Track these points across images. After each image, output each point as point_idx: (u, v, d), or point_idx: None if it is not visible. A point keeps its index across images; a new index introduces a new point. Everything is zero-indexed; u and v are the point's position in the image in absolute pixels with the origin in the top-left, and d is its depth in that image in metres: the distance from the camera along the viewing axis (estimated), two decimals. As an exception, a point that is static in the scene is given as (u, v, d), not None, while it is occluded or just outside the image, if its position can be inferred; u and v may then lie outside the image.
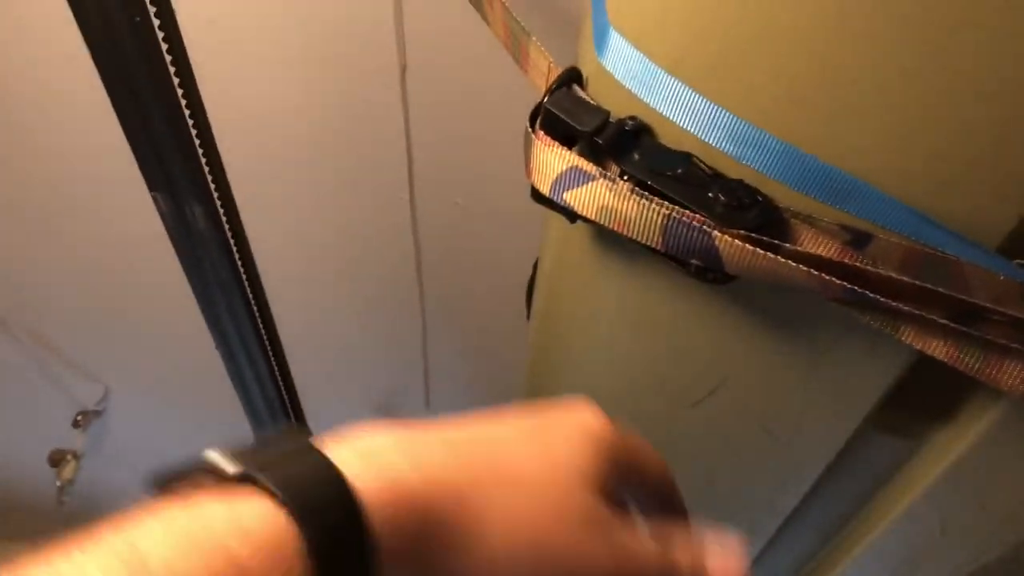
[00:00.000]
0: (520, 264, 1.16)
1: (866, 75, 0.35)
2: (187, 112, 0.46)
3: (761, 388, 0.51)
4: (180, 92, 0.47)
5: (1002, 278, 0.39)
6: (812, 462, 0.55)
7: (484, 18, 0.53)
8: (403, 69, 0.89)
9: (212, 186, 0.47)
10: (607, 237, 0.49)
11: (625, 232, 0.42)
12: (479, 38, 0.85)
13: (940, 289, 0.38)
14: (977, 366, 0.40)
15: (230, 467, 0.27)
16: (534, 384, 0.68)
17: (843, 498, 0.62)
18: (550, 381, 0.65)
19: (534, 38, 0.48)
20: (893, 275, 0.38)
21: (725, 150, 0.40)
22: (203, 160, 0.47)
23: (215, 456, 0.27)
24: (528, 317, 0.88)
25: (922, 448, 0.54)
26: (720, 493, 0.63)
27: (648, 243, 0.41)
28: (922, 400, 0.52)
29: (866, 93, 0.35)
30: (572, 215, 0.44)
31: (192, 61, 0.60)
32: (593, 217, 0.42)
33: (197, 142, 0.46)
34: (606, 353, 0.57)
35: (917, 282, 0.38)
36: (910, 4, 0.33)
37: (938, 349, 0.40)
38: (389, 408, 1.54)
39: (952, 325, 0.38)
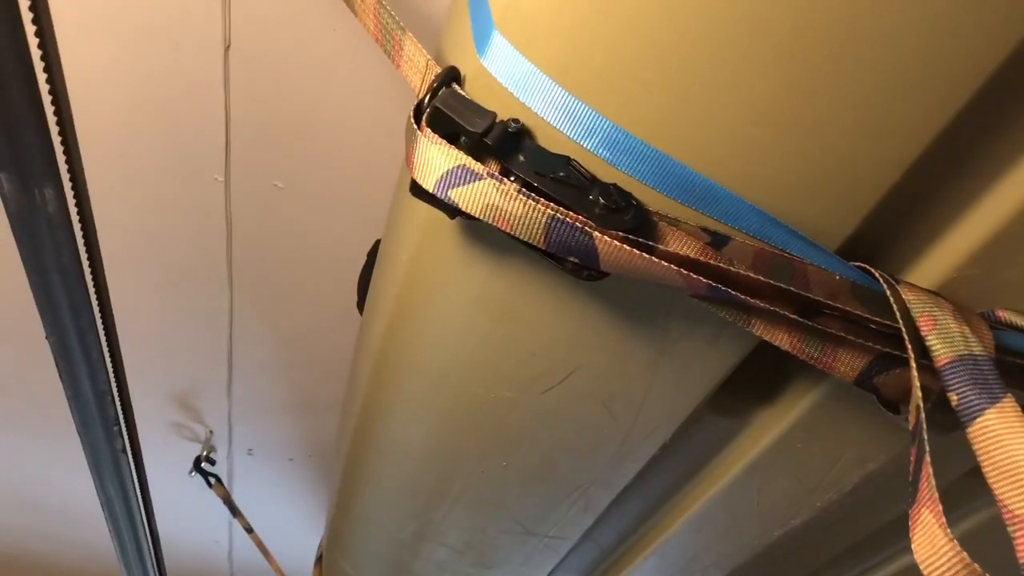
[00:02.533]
0: (341, 251, 1.15)
1: (730, 92, 0.39)
2: (48, 87, 0.42)
3: (610, 375, 0.54)
4: (42, 67, 0.42)
5: (838, 277, 0.44)
6: (648, 442, 0.60)
7: (352, 9, 0.53)
8: (227, 48, 0.86)
9: (66, 167, 0.44)
10: (476, 231, 0.50)
11: (509, 230, 0.43)
12: (306, 22, 0.84)
13: (789, 287, 0.42)
14: (816, 355, 0.45)
15: None
16: (378, 371, 0.68)
17: (670, 474, 0.68)
18: (396, 367, 0.66)
19: (410, 33, 0.48)
20: (750, 274, 0.42)
21: (601, 155, 0.43)
22: (59, 138, 0.43)
23: None
24: (359, 306, 0.87)
25: (745, 427, 0.60)
26: (560, 472, 0.67)
27: (531, 241, 0.43)
28: (748, 384, 0.57)
29: (729, 108, 0.39)
30: (454, 211, 0.45)
31: None
32: (478, 215, 0.43)
33: (55, 119, 0.42)
34: (461, 342, 0.58)
35: (770, 280, 0.42)
36: (772, 37, 0.36)
37: (783, 340, 0.45)
38: (187, 397, 1.48)
39: (797, 318, 0.43)
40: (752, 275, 0.42)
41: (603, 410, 0.58)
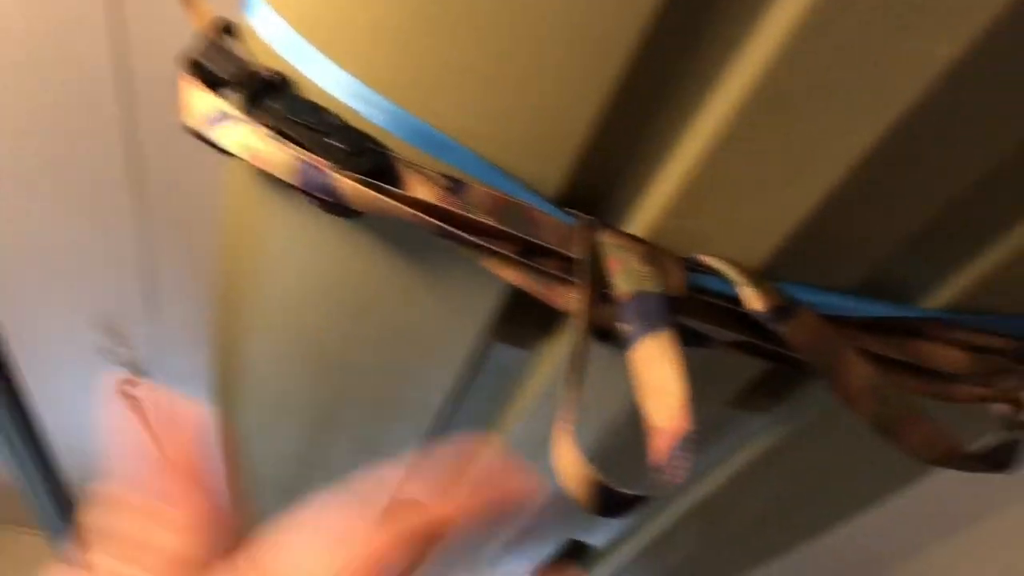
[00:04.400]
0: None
1: (433, 54, 0.44)
2: None
3: (400, 305, 0.60)
4: None
5: (561, 222, 0.49)
6: (451, 366, 0.66)
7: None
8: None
9: None
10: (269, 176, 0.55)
11: (266, 169, 0.49)
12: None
13: (507, 229, 0.48)
14: (541, 290, 0.51)
15: None
16: (223, 305, 0.74)
17: (488, 400, 0.74)
18: (236, 299, 0.71)
19: (198, -13, 0.53)
20: (475, 216, 0.48)
21: (350, 105, 0.48)
22: None
23: None
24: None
25: (536, 357, 0.66)
26: (385, 399, 0.73)
27: (286, 180, 0.49)
28: (533, 317, 0.63)
29: (435, 68, 0.44)
30: (220, 149, 0.50)
31: None
32: (237, 154, 0.49)
33: None
34: (277, 274, 0.64)
35: (499, 224, 0.48)
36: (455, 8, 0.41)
37: (512, 276, 0.51)
38: (114, 323, 1.54)
39: (518, 258, 0.49)
40: (477, 218, 0.48)
41: (406, 338, 0.64)
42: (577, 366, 0.43)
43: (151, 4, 0.94)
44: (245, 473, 0.98)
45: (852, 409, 0.50)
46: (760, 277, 0.49)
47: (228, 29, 0.51)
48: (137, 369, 1.60)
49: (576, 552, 0.97)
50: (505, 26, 0.41)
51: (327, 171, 0.47)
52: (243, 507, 0.38)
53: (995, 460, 0.52)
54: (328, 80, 0.48)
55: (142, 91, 1.05)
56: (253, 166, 0.55)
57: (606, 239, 0.47)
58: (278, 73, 0.48)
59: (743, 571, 1.03)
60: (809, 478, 0.78)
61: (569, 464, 0.39)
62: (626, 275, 0.46)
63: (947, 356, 0.53)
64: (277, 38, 0.48)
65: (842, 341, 0.50)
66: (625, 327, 0.45)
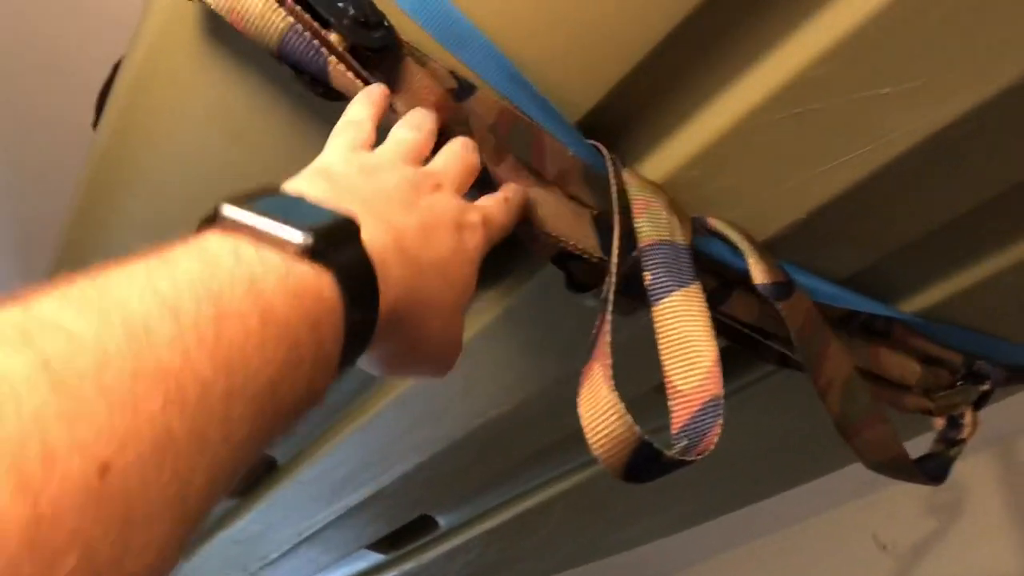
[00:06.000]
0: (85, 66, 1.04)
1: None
2: None
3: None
4: None
5: (571, 154, 0.44)
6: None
7: None
8: None
9: None
10: (217, 31, 0.46)
11: (242, 29, 0.40)
12: None
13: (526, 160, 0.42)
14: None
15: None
16: (94, 187, 0.62)
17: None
18: (114, 180, 0.60)
19: None
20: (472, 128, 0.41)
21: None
22: None
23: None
24: (95, 125, 0.79)
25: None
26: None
27: (264, 46, 0.40)
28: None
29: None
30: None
31: None
32: (212, 4, 0.40)
33: None
34: (187, 159, 0.54)
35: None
36: None
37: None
38: None
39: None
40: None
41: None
42: (613, 306, 0.37)
43: None
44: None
45: (822, 399, 0.49)
46: (765, 250, 0.46)
47: None
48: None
49: (423, 527, 0.92)
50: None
51: (323, 51, 0.38)
52: None
53: (933, 472, 0.52)
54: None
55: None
56: (189, 25, 0.46)
57: (629, 179, 0.43)
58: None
59: (586, 563, 1.01)
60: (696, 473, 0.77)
61: (606, 415, 0.34)
62: (653, 222, 0.41)
63: (903, 365, 0.53)
64: None
65: (829, 329, 0.48)
66: (648, 276, 0.40)
